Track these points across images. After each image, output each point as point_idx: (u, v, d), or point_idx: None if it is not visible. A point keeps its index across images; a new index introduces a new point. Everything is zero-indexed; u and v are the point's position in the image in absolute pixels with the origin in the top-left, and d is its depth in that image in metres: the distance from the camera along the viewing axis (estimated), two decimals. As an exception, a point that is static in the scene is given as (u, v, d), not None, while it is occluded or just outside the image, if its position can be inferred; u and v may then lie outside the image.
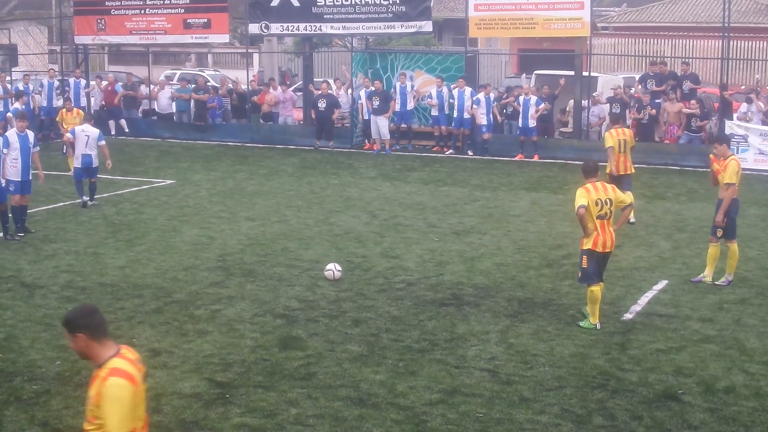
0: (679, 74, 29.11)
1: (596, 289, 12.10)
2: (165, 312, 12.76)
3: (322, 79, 34.23)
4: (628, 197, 12.54)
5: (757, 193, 21.12)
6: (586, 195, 12.06)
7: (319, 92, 30.59)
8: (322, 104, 30.05)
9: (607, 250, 12.20)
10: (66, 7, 41.06)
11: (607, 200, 12.10)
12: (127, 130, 33.00)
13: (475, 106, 28.48)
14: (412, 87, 30.01)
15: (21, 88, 31.78)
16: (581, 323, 12.23)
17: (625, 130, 18.91)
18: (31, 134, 17.64)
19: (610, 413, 9.59)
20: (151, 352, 11.18)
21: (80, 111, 25.97)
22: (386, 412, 9.53)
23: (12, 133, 17.32)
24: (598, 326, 12.09)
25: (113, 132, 32.87)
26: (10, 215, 17.14)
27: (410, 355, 11.19)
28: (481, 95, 28.63)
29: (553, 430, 9.21)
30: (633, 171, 18.48)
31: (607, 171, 17.99)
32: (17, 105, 27.94)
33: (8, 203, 17.10)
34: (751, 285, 14.39)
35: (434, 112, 29.78)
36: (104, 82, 34.70)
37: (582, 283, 12.36)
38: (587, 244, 12.13)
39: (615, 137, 18.38)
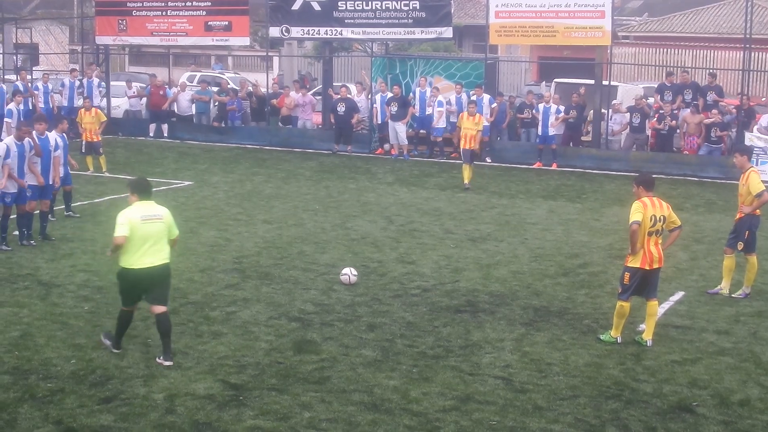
0: (702, 85, 29.07)
1: (626, 305, 11.87)
2: (180, 313, 12.77)
3: (341, 84, 34.27)
4: (678, 219, 12.20)
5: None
6: (643, 210, 11.71)
7: (339, 96, 30.62)
8: (341, 108, 30.10)
9: (654, 267, 11.88)
10: (88, 8, 41.26)
11: (661, 217, 11.81)
12: (165, 135, 33.12)
13: (439, 108, 28.80)
14: (432, 96, 29.93)
15: (21, 87, 30.43)
16: (601, 336, 12.08)
17: (478, 117, 24.49)
18: (51, 136, 17.54)
19: (624, 424, 9.56)
20: (165, 352, 11.22)
21: (99, 110, 25.98)
22: (399, 418, 9.52)
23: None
24: (619, 340, 11.92)
25: (152, 134, 33.03)
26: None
27: (424, 362, 11.18)
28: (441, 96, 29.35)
29: (567, 439, 9.20)
30: (473, 147, 24.35)
31: (462, 146, 24.45)
32: (11, 106, 26.70)
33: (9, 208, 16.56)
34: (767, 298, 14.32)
35: (453, 119, 29.77)
36: (135, 86, 35.07)
37: (620, 298, 11.95)
38: (634, 262, 11.81)
39: (464, 120, 24.56)
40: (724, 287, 14.43)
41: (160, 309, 10.88)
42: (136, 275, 10.75)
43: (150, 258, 10.74)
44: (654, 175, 12.51)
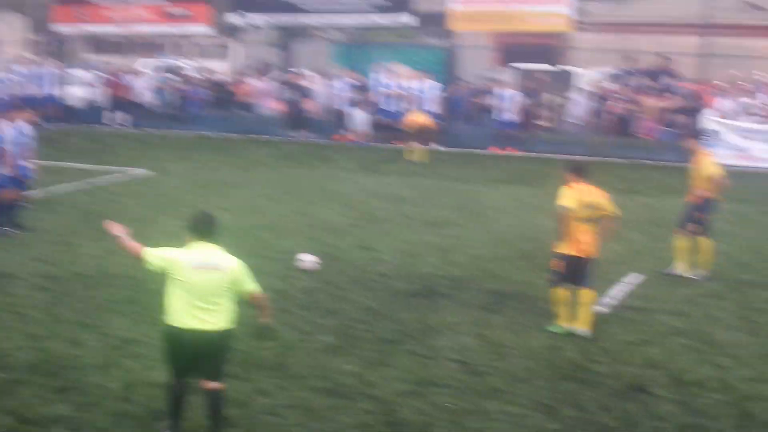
0: (656, 69, 29.33)
1: (560, 291, 11.67)
2: (137, 302, 12.65)
3: (298, 70, 34.19)
4: (612, 207, 11.82)
5: (730, 189, 21.16)
6: (572, 196, 11.53)
7: (294, 83, 30.53)
8: (296, 95, 30.03)
9: (585, 255, 11.62)
10: (45, -5, 40.77)
11: (593, 204, 11.54)
12: (124, 123, 32.81)
13: (390, 90, 29.42)
14: (389, 81, 29.86)
15: None
16: (550, 328, 11.79)
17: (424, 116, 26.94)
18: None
19: (580, 404, 9.63)
20: (122, 341, 11.16)
21: None
22: (357, 402, 9.54)
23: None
24: (571, 328, 11.65)
25: (110, 122, 32.75)
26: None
27: (382, 346, 11.20)
28: None
29: (523, 420, 9.26)
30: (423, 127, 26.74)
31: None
32: None
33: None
34: (722, 279, 14.46)
35: (406, 105, 29.69)
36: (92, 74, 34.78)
37: (552, 285, 11.86)
38: (563, 248, 11.62)
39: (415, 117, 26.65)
40: (679, 268, 14.57)
41: (209, 384, 8.48)
42: (177, 336, 8.41)
43: (197, 319, 8.40)
44: (612, 159, 12.55)
